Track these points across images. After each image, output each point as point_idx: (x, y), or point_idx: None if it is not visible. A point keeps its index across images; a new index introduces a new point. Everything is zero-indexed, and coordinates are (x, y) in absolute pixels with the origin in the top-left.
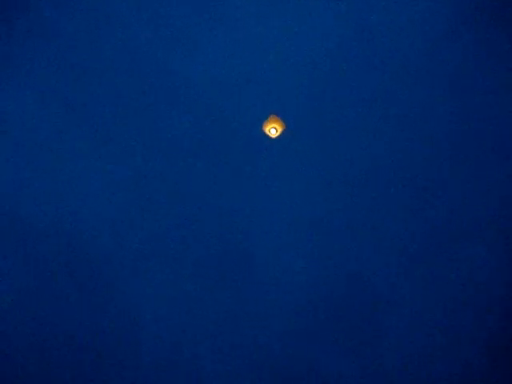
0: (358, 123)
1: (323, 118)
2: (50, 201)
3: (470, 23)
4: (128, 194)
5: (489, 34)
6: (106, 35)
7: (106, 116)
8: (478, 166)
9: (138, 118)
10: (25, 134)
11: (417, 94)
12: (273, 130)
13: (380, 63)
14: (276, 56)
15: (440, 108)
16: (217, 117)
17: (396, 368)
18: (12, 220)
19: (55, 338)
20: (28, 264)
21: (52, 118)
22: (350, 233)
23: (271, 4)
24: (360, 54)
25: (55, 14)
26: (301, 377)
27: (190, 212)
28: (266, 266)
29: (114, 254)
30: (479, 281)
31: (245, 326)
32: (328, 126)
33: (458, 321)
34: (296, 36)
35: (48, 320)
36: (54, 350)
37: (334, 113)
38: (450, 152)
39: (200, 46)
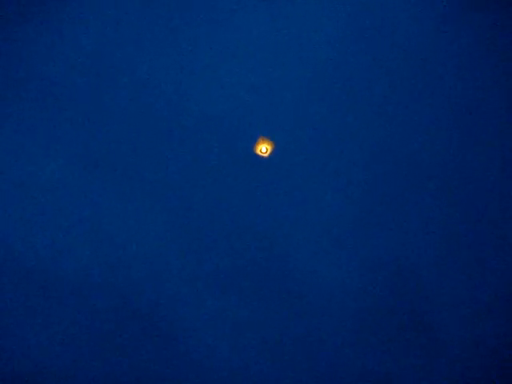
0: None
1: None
2: (99, 255)
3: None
4: (167, 232)
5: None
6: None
7: (127, 158)
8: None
9: (156, 151)
10: (61, 193)
11: (412, 113)
12: (263, 148)
13: (369, 85)
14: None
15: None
16: (218, 139)
17: (449, 366)
18: (70, 278)
19: None
20: (88, 318)
21: (82, 174)
22: (386, 231)
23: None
24: (348, 75)
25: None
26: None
27: (229, 238)
28: (309, 277)
29: (168, 297)
30: None
31: (301, 341)
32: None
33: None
34: (280, 59)
35: (115, 370)
36: None
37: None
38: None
39: (196, 74)
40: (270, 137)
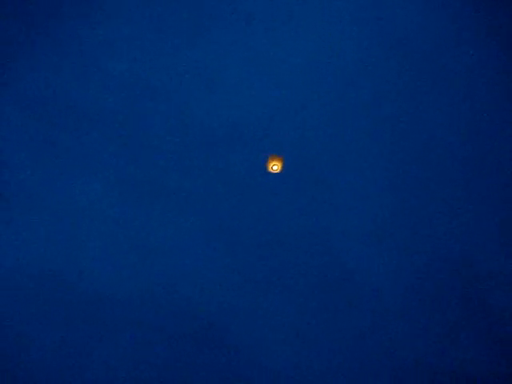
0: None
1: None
2: (150, 274)
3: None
4: (211, 244)
5: None
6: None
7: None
8: None
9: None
10: (104, 216)
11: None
12: (275, 166)
13: (376, 102)
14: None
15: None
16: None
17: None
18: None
19: None
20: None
21: (121, 195)
22: (442, 224)
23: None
24: (356, 94)
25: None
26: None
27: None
28: (366, 279)
29: (225, 313)
30: None
31: (363, 339)
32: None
33: None
34: (293, 80)
35: None
36: None
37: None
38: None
39: (211, 89)
40: (283, 152)
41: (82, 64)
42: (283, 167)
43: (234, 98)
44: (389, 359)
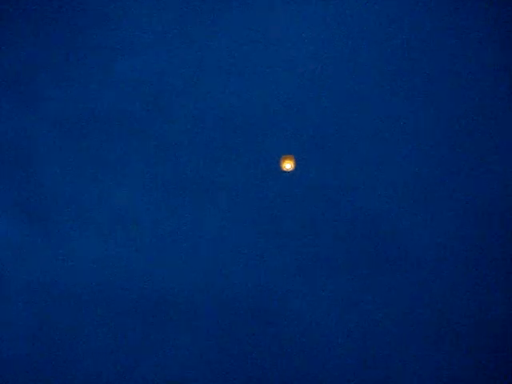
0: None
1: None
2: (197, 269)
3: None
4: (251, 232)
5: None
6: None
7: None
8: None
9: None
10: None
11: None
12: (288, 165)
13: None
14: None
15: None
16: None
17: None
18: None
19: None
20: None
21: (155, 196)
22: None
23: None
24: (369, 94)
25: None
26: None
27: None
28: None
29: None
30: None
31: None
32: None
33: None
34: (306, 81)
35: None
36: None
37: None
38: None
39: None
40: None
41: (100, 71)
42: (295, 163)
43: (251, 91)
44: (438, 317)
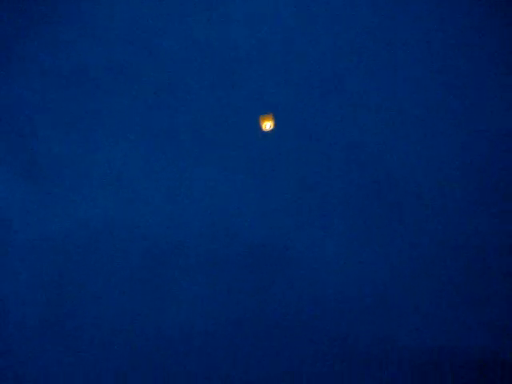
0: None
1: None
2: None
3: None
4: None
5: None
6: None
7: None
8: None
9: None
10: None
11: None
12: (268, 124)
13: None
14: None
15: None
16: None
17: None
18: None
19: None
20: None
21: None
22: None
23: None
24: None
25: None
26: None
27: None
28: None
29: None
30: None
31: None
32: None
33: None
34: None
35: None
36: None
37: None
38: None
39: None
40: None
41: (89, 25)
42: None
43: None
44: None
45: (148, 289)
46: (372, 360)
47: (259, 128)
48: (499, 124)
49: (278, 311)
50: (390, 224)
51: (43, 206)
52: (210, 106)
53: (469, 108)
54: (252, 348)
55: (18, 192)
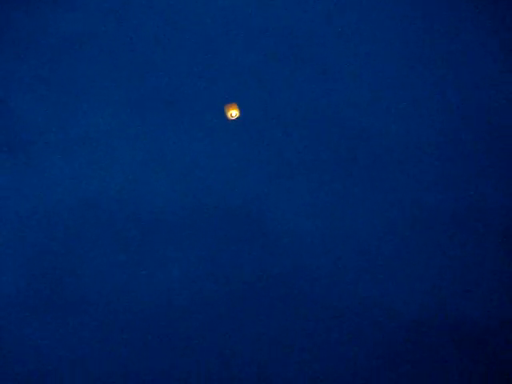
0: None
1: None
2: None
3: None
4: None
5: None
6: None
7: None
8: None
9: None
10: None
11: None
12: (233, 112)
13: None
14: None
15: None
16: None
17: None
18: None
19: None
20: None
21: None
22: None
23: None
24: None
25: None
26: None
27: None
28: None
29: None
30: None
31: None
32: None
33: None
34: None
35: None
36: None
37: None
38: None
39: None
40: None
41: None
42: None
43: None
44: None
45: (133, 258)
46: (362, 327)
47: (225, 115)
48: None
49: (259, 274)
50: (371, 185)
51: (25, 180)
52: (188, 71)
53: (449, 61)
54: (234, 312)
55: None
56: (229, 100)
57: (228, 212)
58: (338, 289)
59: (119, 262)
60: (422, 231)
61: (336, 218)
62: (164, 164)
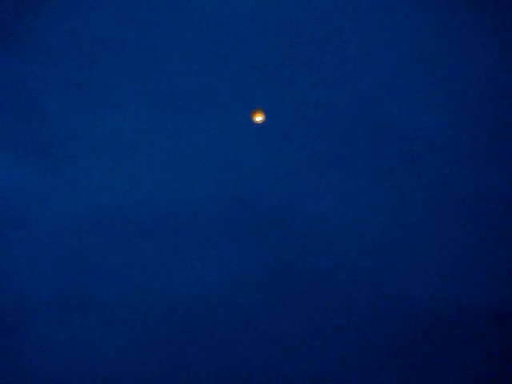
0: None
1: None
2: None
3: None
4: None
5: None
6: None
7: None
8: None
9: None
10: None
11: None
12: (258, 118)
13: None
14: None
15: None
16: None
17: None
18: None
19: None
20: None
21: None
22: None
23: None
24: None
25: None
26: None
27: None
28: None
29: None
30: None
31: None
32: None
33: None
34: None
35: None
36: None
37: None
38: None
39: None
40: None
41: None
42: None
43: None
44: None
45: (164, 262)
46: (379, 312)
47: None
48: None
49: (291, 267)
50: (396, 174)
51: (56, 186)
52: (214, 69)
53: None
54: (265, 307)
55: (29, 174)
56: (254, 100)
57: (258, 206)
58: (360, 275)
59: (150, 264)
60: (441, 219)
61: (356, 207)
62: (195, 167)
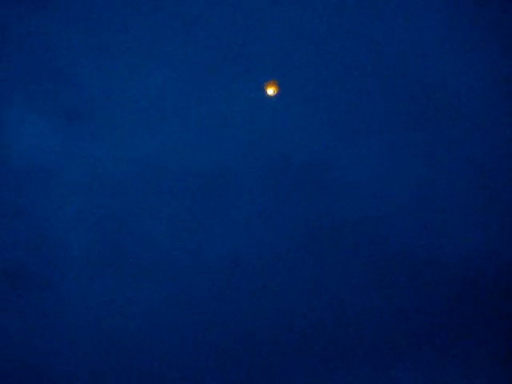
0: None
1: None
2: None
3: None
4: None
5: None
6: None
7: None
8: None
9: None
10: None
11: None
12: (270, 91)
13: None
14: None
15: None
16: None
17: None
18: None
19: None
20: None
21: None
22: None
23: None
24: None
25: None
26: None
27: None
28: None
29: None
30: None
31: None
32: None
33: None
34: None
35: None
36: None
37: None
38: None
39: None
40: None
41: None
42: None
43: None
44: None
45: (196, 218)
46: (418, 270)
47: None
48: None
49: (322, 223)
50: (431, 139)
51: (86, 147)
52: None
53: None
54: (302, 263)
55: (61, 136)
56: (292, 61)
57: (296, 167)
58: (395, 237)
59: (181, 221)
60: (479, 180)
61: (394, 170)
62: (229, 123)
